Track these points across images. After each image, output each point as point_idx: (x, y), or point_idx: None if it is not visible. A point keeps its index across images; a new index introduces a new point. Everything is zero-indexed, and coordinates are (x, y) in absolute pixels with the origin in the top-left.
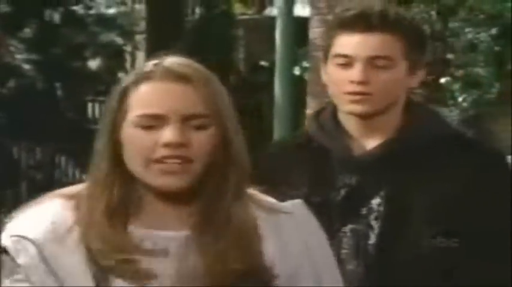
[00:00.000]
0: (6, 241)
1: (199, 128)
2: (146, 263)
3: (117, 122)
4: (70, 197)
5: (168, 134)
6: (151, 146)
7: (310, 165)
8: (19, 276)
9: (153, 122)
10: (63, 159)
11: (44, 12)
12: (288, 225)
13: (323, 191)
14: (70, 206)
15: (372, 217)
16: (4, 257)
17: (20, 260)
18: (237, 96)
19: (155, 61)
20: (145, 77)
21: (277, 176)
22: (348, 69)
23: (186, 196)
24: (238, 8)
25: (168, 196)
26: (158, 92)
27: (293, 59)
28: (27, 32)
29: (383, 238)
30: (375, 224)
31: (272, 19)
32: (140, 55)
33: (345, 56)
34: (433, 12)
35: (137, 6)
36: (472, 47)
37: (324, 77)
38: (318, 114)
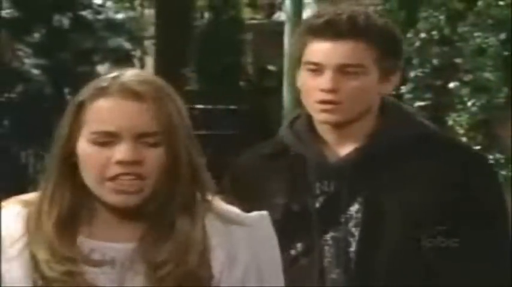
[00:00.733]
0: None
1: (152, 145)
2: (92, 275)
3: (72, 136)
4: (27, 204)
5: (121, 152)
6: (104, 163)
7: (288, 173)
8: None
9: (106, 138)
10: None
11: (53, 17)
12: (241, 236)
13: (301, 199)
14: (24, 214)
15: (352, 223)
16: None
17: None
18: (246, 100)
19: (114, 75)
20: (101, 92)
21: (254, 186)
22: (318, 77)
23: (136, 210)
24: (247, 13)
25: (120, 210)
26: (112, 109)
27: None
28: (36, 36)
29: (364, 244)
30: (355, 231)
31: (281, 24)
32: (149, 60)
33: (315, 63)
34: (442, 17)
35: (146, 11)
36: (481, 51)
37: (298, 84)
38: (292, 122)
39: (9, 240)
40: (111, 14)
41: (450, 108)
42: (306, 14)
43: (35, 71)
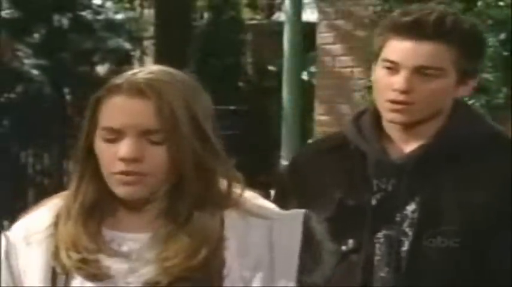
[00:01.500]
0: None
1: (155, 143)
2: (106, 262)
3: (90, 131)
4: (65, 197)
5: (122, 149)
6: (111, 159)
7: (346, 168)
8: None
9: (113, 135)
10: (70, 164)
11: (52, 17)
12: (259, 228)
13: (358, 195)
14: (58, 206)
15: (406, 223)
16: None
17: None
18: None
19: (133, 71)
20: (115, 89)
21: (312, 179)
22: (393, 76)
23: (149, 204)
24: (246, 13)
25: (135, 204)
26: (119, 106)
27: (301, 64)
28: (36, 37)
29: (417, 245)
30: (409, 231)
31: (280, 24)
32: (149, 60)
33: (392, 62)
34: None
35: (146, 11)
36: None
37: (372, 78)
38: (357, 117)
39: (38, 228)
40: (110, 15)
41: None
42: (306, 14)
43: (35, 72)
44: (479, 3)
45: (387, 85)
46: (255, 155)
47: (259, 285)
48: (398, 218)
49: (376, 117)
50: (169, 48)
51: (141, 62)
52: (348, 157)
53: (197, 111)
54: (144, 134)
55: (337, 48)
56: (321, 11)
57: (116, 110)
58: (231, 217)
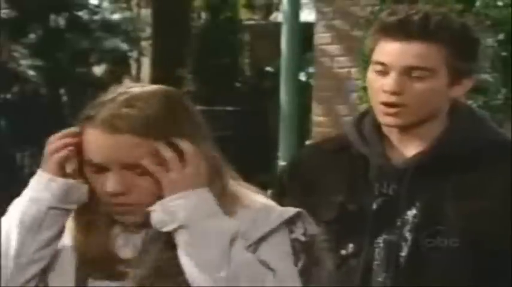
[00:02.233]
0: None
1: (141, 174)
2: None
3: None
4: None
5: (108, 184)
6: (101, 191)
7: (348, 172)
8: None
9: (97, 168)
10: None
11: (49, 17)
12: (245, 215)
13: (359, 199)
14: None
15: (407, 228)
16: None
17: None
18: (243, 101)
19: (105, 98)
20: (89, 121)
21: (313, 180)
22: (383, 78)
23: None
24: (244, 14)
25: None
26: (96, 141)
27: (299, 65)
28: (32, 37)
29: (415, 250)
30: (409, 236)
31: (278, 25)
32: (146, 61)
33: (381, 63)
34: None
35: (143, 11)
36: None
37: (367, 80)
38: (359, 119)
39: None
40: (107, 15)
41: None
42: (303, 14)
43: (31, 72)
44: (477, 4)
45: (378, 87)
46: (253, 155)
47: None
48: (399, 223)
49: (377, 119)
50: (167, 49)
51: (138, 63)
52: (350, 160)
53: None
54: (128, 167)
55: (335, 48)
56: (318, 12)
57: (94, 144)
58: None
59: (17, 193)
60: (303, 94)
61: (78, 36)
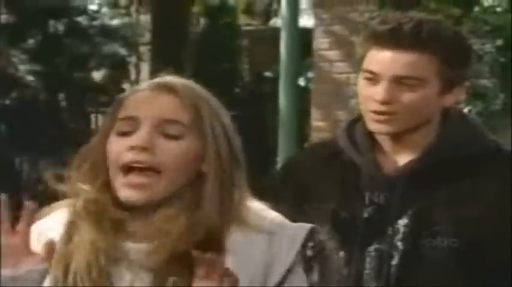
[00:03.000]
0: None
1: (172, 137)
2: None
3: (106, 130)
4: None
5: (135, 137)
6: (120, 151)
7: (340, 179)
8: None
9: (129, 126)
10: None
11: (48, 23)
12: (258, 245)
13: (350, 207)
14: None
15: (398, 237)
16: None
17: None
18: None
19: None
20: (137, 89)
21: (305, 187)
22: (373, 87)
23: (152, 211)
24: (243, 19)
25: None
26: (140, 98)
27: (298, 70)
28: (31, 42)
29: (406, 259)
30: (400, 245)
31: (277, 30)
32: (145, 66)
33: (371, 72)
34: None
35: (142, 17)
36: (477, 58)
37: (357, 88)
38: (350, 125)
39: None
40: (106, 20)
41: None
42: (302, 20)
43: (30, 77)
44: (476, 9)
45: (368, 96)
46: (251, 161)
47: None
48: (390, 232)
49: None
50: (166, 54)
51: (137, 68)
52: (342, 167)
53: (222, 121)
54: (160, 125)
55: (333, 54)
56: (317, 17)
57: (137, 101)
58: (233, 230)
59: (16, 199)
60: (302, 99)
61: (77, 41)
